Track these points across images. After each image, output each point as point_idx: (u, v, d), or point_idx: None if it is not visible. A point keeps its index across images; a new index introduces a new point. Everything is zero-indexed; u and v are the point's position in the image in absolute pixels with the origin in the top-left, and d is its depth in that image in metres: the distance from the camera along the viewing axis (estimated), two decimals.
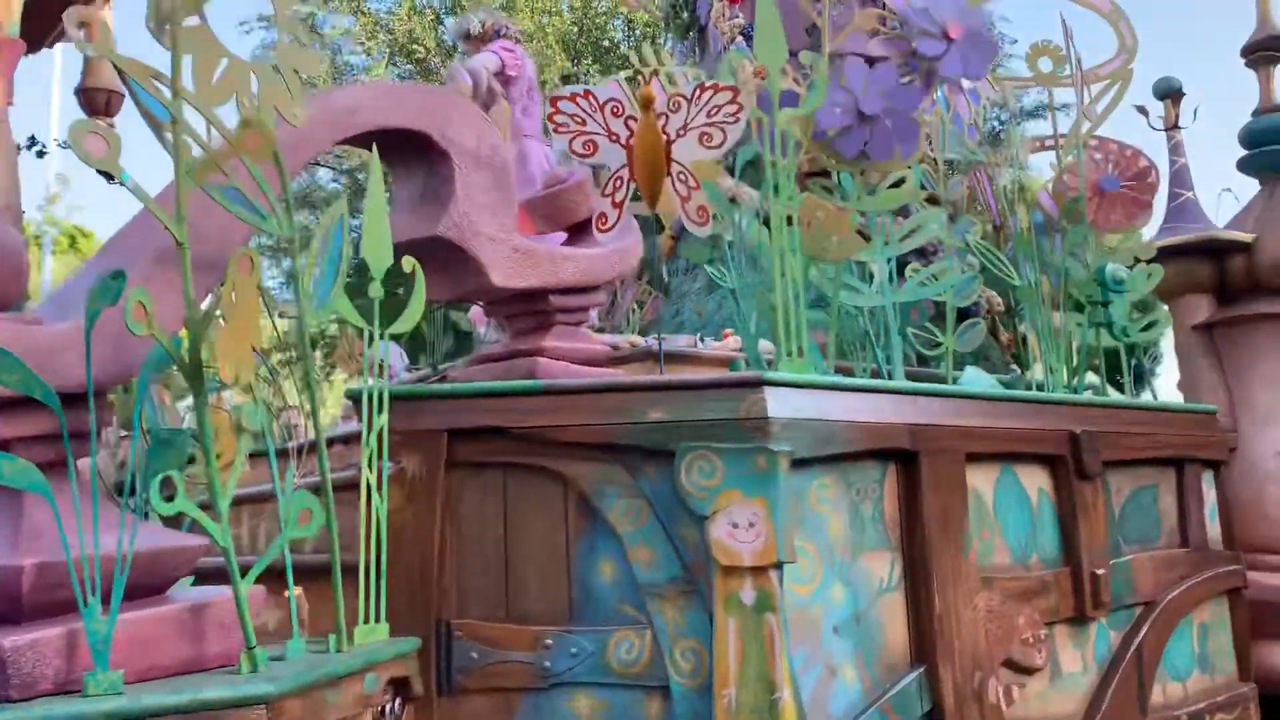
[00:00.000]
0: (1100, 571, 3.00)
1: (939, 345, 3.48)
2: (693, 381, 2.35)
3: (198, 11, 1.68)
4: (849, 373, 3.40)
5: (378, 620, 2.04)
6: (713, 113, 2.53)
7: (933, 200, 3.84)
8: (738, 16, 4.53)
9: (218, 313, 1.74)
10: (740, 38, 4.48)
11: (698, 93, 2.52)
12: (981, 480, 2.83)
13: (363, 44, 16.99)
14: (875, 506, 2.55)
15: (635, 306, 5.09)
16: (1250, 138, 4.48)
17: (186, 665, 1.75)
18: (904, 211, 3.35)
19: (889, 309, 3.03)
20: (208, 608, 1.82)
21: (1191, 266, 4.37)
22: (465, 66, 4.81)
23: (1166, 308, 4.42)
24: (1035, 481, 2.99)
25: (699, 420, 2.30)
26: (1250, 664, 3.52)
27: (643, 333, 4.51)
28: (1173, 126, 4.70)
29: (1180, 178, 4.64)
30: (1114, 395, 3.78)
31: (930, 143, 3.89)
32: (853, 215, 2.83)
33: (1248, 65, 4.56)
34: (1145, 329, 3.85)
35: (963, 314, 4.29)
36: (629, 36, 17.11)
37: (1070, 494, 3.01)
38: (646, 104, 2.44)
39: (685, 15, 5.17)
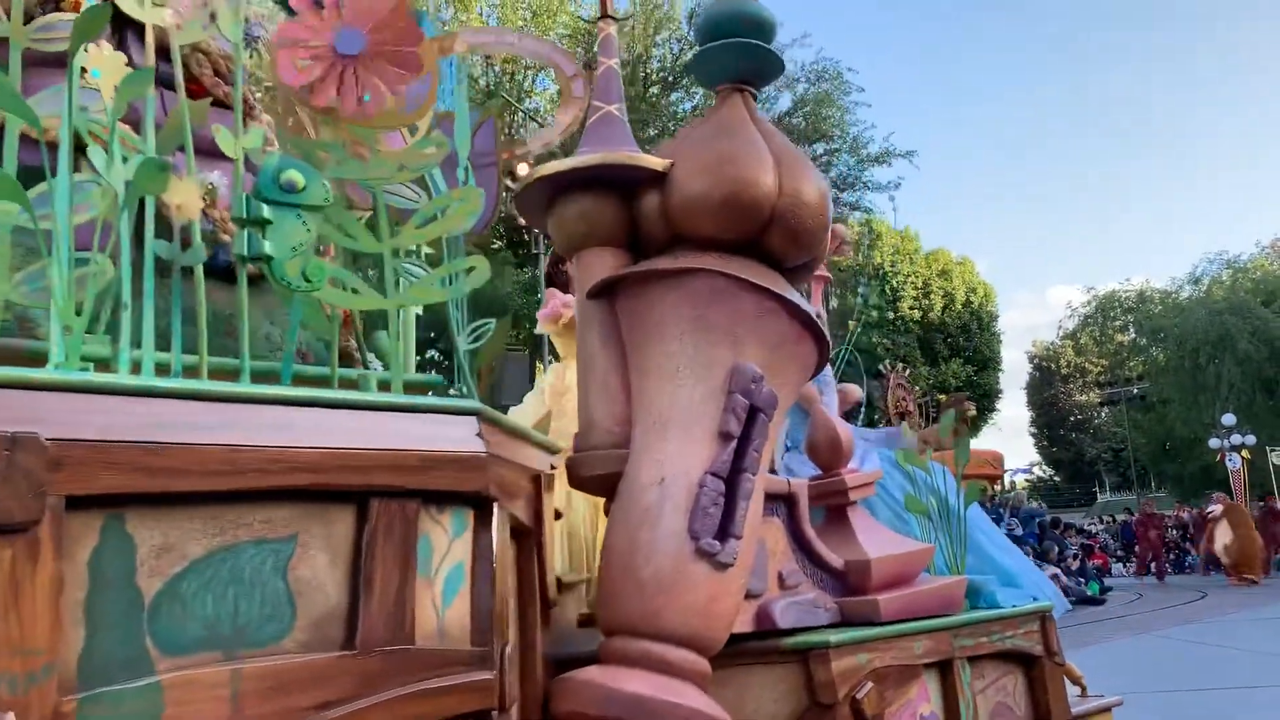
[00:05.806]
0: None
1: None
2: None
3: None
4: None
5: None
6: None
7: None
8: None
9: None
10: None
11: None
12: None
13: None
14: None
15: None
16: (704, 32, 3.14)
17: None
18: None
19: None
20: None
21: (593, 207, 2.95)
22: None
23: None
24: None
25: None
26: None
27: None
28: (603, 16, 3.32)
29: (606, 85, 3.24)
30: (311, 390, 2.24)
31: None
32: None
33: None
34: (452, 281, 2.40)
35: None
36: None
37: None
38: None
39: None
